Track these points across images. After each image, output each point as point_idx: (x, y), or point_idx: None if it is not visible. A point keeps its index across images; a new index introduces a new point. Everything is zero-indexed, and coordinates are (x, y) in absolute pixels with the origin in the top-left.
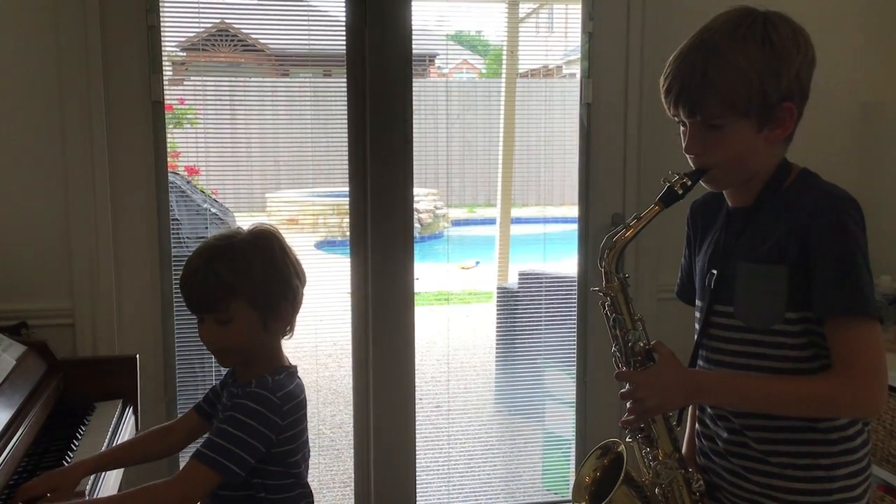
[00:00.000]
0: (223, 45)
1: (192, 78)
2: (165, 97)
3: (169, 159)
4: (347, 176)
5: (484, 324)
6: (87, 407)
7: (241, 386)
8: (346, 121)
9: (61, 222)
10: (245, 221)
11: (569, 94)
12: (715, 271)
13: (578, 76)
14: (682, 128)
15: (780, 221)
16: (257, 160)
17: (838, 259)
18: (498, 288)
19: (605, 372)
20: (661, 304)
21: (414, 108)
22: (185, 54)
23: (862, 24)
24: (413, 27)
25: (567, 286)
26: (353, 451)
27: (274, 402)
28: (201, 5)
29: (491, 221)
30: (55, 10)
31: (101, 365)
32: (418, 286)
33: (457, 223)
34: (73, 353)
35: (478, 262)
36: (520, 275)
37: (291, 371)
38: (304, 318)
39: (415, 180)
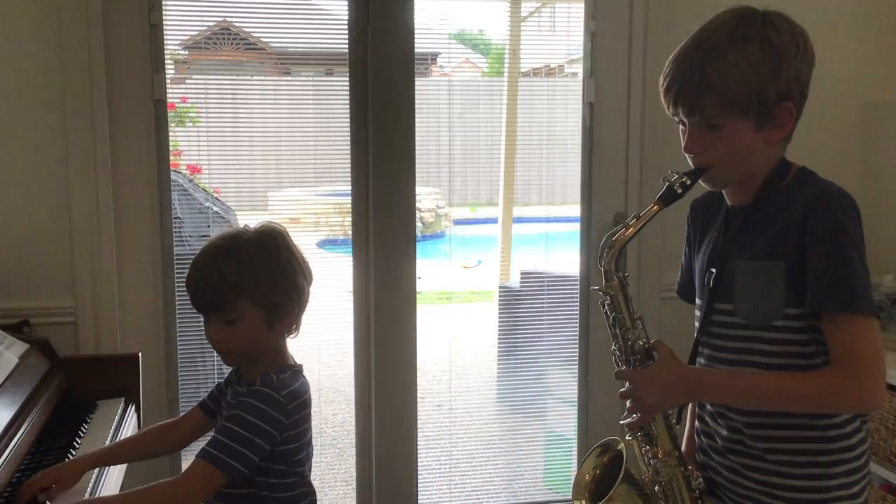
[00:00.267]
0: (225, 44)
1: (194, 76)
2: (167, 96)
3: (171, 158)
4: (349, 175)
5: (486, 323)
6: (90, 405)
7: (245, 384)
8: (348, 120)
9: (64, 220)
10: (247, 220)
11: (571, 93)
12: (714, 270)
13: (581, 75)
14: (681, 127)
15: (778, 219)
16: (259, 159)
17: (832, 255)
18: (500, 287)
19: (606, 371)
20: (665, 303)
21: (416, 107)
22: (187, 53)
23: (864, 24)
24: (415, 26)
25: (569, 285)
26: (354, 449)
27: (278, 401)
28: (203, 4)
29: (493, 220)
30: (58, 8)
31: (104, 363)
32: (420, 285)
33: (459, 222)
34: (76, 351)
35: (479, 262)
36: (522, 274)
37: (296, 370)
38: (307, 316)
39: (417, 179)
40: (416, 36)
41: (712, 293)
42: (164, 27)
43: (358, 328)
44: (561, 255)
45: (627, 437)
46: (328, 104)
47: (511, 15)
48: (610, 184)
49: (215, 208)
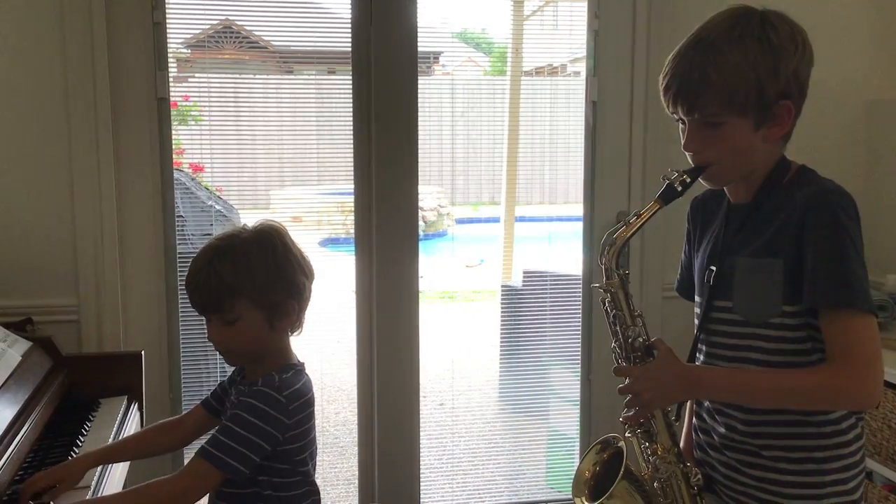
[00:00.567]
0: (228, 43)
1: (196, 75)
2: (170, 94)
3: (174, 156)
4: (352, 174)
5: (488, 322)
6: (93, 403)
7: (248, 383)
8: (350, 119)
9: (67, 219)
10: (250, 219)
11: (574, 92)
12: (714, 267)
13: (584, 74)
14: (681, 125)
15: (777, 216)
16: (262, 158)
17: (829, 252)
18: (502, 286)
19: (609, 370)
20: (667, 301)
21: (419, 106)
22: (189, 51)
23: (867, 23)
24: (418, 25)
25: (572, 284)
26: (357, 448)
27: (280, 402)
28: (206, 3)
29: (495, 219)
30: (61, 6)
31: (107, 361)
32: (422, 284)
33: (461, 221)
34: (79, 349)
35: (482, 261)
36: (524, 273)
37: (299, 368)
38: (309, 315)
39: (419, 178)
40: (418, 35)
41: (712, 290)
42: (167, 25)
43: (360, 327)
44: (563, 254)
45: (627, 434)
46: (331, 103)
47: (514, 14)
48: (612, 183)
49: (218, 207)
